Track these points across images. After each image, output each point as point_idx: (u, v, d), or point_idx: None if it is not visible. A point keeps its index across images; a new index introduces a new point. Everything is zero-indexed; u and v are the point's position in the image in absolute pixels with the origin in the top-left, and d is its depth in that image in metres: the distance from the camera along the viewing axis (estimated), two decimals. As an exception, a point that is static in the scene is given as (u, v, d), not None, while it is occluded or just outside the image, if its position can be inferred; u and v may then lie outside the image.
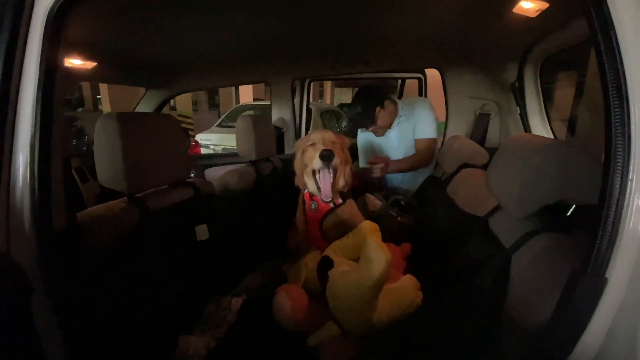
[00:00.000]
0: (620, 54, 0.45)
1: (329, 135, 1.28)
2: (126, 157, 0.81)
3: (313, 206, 1.31)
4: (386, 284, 0.86)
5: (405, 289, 0.97)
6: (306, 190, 1.34)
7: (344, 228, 1.24)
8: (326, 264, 0.95)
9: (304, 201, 1.36)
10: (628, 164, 0.45)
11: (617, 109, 0.45)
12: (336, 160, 1.21)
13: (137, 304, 0.85)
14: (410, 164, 1.81)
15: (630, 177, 0.45)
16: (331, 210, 1.29)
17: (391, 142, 1.91)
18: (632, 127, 0.44)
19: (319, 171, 1.23)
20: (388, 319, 0.87)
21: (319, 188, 1.25)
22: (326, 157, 1.17)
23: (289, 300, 1.00)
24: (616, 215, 0.46)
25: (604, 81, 0.46)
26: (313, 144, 1.26)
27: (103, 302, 0.75)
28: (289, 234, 1.55)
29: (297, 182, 1.36)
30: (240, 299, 1.14)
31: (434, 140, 1.83)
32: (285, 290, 1.03)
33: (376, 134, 1.90)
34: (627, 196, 0.45)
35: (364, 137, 1.99)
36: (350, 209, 1.34)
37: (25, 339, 0.59)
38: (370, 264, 0.78)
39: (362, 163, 1.99)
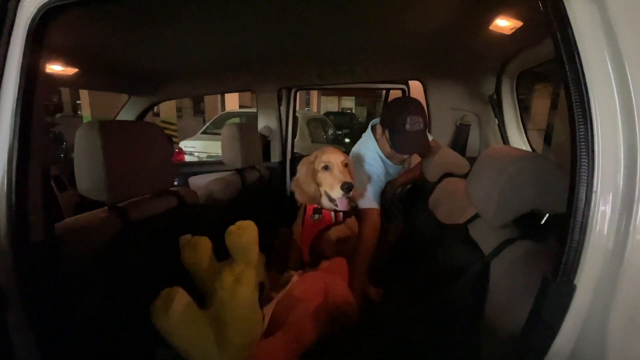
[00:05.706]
0: (583, 74, 0.48)
1: (340, 156, 1.33)
2: (107, 167, 0.79)
3: (317, 217, 1.36)
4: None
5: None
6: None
7: (343, 242, 1.35)
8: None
9: (304, 211, 1.40)
10: (592, 178, 0.47)
11: (582, 127, 0.48)
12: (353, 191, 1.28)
13: (117, 317, 0.82)
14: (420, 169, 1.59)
15: (594, 189, 0.48)
16: (331, 225, 1.37)
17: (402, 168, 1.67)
18: (595, 144, 0.47)
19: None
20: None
21: (335, 205, 1.32)
22: (347, 189, 1.26)
23: None
24: (582, 224, 0.48)
25: (568, 100, 0.49)
26: (327, 167, 1.31)
27: (81, 316, 0.73)
28: (281, 243, 1.55)
29: (300, 197, 1.37)
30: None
31: (435, 141, 1.69)
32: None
33: (395, 162, 1.54)
34: (592, 207, 0.48)
35: (376, 158, 1.51)
36: (352, 224, 1.42)
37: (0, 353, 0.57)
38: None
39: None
